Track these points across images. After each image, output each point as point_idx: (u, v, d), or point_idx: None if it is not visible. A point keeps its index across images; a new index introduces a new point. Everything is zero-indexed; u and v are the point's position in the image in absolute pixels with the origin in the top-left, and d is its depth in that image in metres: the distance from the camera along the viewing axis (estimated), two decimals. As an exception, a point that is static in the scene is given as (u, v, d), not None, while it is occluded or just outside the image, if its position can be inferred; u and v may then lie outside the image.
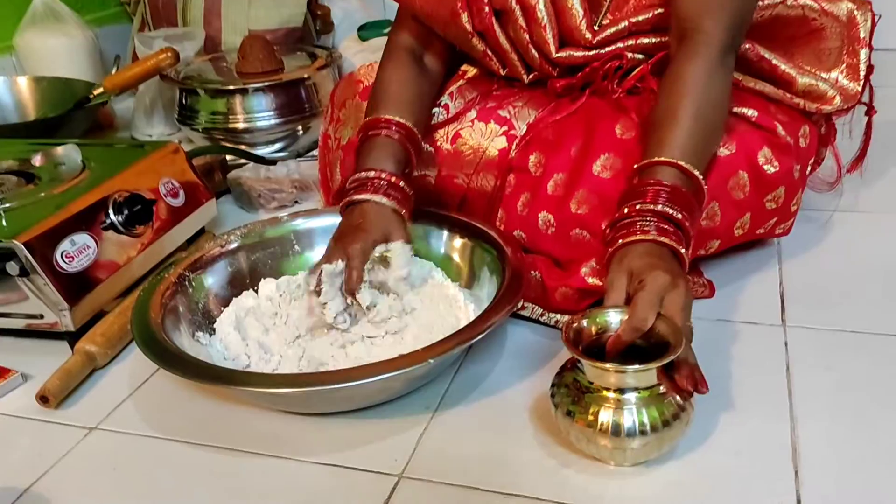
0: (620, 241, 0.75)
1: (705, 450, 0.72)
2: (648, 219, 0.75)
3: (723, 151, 0.86)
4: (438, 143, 0.99)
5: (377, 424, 0.78)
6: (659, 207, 0.75)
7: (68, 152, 1.05)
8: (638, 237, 0.74)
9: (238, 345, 0.86)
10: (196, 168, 1.15)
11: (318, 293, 0.85)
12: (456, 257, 0.95)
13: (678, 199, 0.75)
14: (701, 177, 0.78)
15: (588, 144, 0.89)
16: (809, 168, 0.96)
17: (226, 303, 0.92)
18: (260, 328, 0.89)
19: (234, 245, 0.96)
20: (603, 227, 0.81)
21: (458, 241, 0.95)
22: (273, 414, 0.81)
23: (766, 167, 0.87)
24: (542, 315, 0.90)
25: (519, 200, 0.94)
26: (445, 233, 0.95)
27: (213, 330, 0.89)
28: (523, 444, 0.74)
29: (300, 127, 1.49)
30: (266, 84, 1.45)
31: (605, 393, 0.67)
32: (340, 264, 0.85)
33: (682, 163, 0.77)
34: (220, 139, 1.48)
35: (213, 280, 0.93)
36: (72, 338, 0.91)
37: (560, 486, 0.69)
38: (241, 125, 1.45)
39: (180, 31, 1.68)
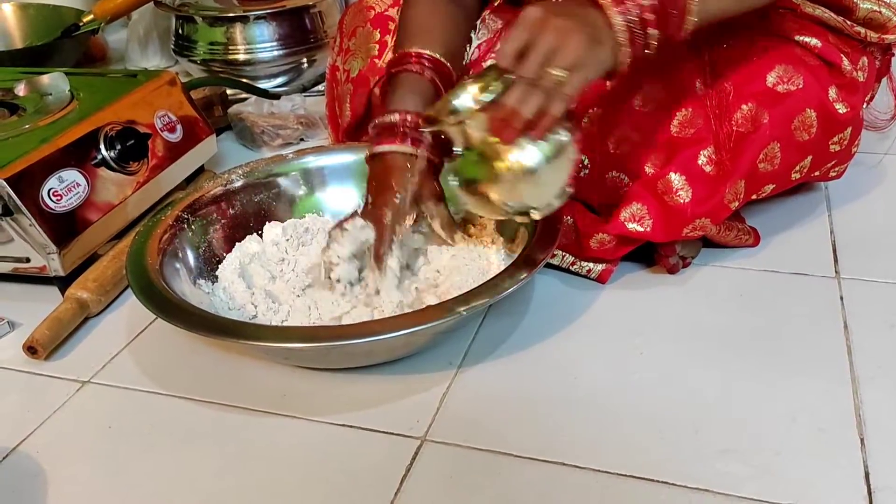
0: None
1: (759, 414, 0.66)
2: None
3: (788, 87, 0.77)
4: (458, 78, 0.91)
5: (395, 381, 0.72)
6: None
7: (55, 81, 0.98)
8: None
9: (243, 294, 0.80)
10: (194, 101, 1.08)
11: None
12: (482, 200, 0.87)
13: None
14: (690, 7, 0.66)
15: (628, 75, 0.80)
16: (865, 105, 0.88)
17: (228, 247, 0.86)
18: (266, 276, 0.83)
19: (236, 185, 0.90)
20: None
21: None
22: (282, 369, 0.75)
23: (836, 105, 0.79)
24: (573, 264, 0.83)
25: (548, 139, 0.86)
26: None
27: (216, 277, 0.83)
28: (556, 404, 0.68)
29: (305, 59, 1.41)
30: (268, 12, 1.37)
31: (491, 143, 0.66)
32: (360, 224, 0.77)
33: None
34: (220, 72, 1.41)
35: (214, 222, 0.87)
36: (62, 283, 0.86)
37: (598, 452, 0.63)
38: (241, 56, 1.38)
39: (176, -45, 1.59)
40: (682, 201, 0.76)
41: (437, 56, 0.81)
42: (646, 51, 0.66)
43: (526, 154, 0.66)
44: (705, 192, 0.76)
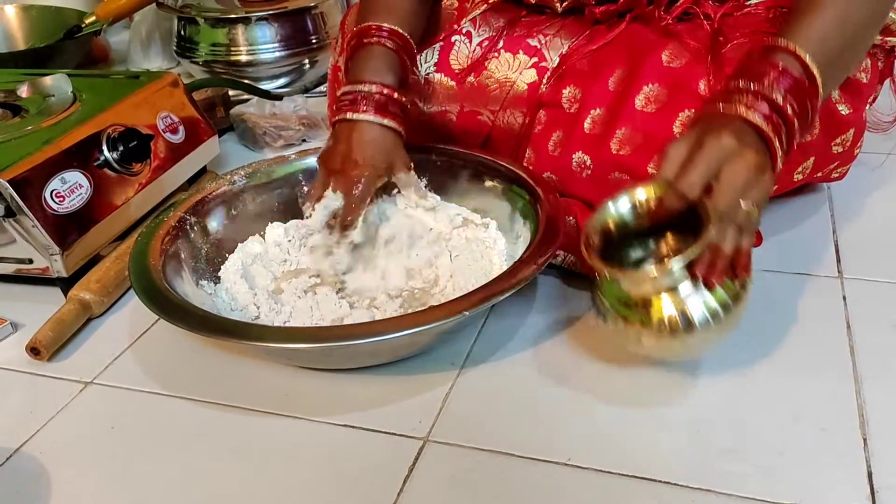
0: (705, 110, 0.65)
1: (762, 414, 0.66)
2: (751, 97, 0.64)
3: None
4: (461, 76, 0.91)
5: (397, 382, 0.72)
6: (770, 92, 0.63)
7: (57, 83, 0.98)
8: (724, 109, 0.64)
9: (246, 295, 0.80)
10: (197, 102, 1.08)
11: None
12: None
13: (796, 93, 0.64)
14: (822, 89, 0.66)
15: (630, 75, 0.81)
16: (867, 106, 0.88)
17: (231, 248, 0.86)
18: (269, 277, 0.83)
19: (238, 186, 0.90)
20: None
21: (487, 184, 0.87)
22: (284, 369, 0.75)
23: (839, 107, 0.79)
24: (574, 264, 0.83)
25: (550, 139, 0.86)
26: (472, 174, 0.88)
27: (218, 278, 0.83)
28: (559, 405, 0.68)
29: (307, 60, 1.41)
30: (270, 13, 1.37)
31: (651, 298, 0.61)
32: (339, 198, 0.81)
33: (811, 63, 0.65)
34: (222, 73, 1.41)
35: (216, 223, 0.87)
36: (65, 284, 0.86)
37: (601, 452, 0.63)
38: (243, 58, 1.38)
39: (178, -44, 1.59)
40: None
41: (405, 34, 0.84)
42: None
43: (696, 305, 0.59)
44: (708, 192, 0.76)
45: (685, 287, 0.59)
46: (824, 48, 0.66)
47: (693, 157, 0.60)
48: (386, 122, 0.80)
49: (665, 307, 0.60)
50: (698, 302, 0.59)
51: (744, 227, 0.60)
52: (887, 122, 0.94)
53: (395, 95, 0.81)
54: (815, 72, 0.65)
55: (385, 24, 0.83)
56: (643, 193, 0.63)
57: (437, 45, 0.90)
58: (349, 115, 0.81)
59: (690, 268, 0.59)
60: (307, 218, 0.83)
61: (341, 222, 0.80)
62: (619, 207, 0.64)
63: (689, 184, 0.60)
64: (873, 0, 0.69)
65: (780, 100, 0.64)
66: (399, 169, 0.82)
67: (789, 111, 0.64)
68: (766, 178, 0.61)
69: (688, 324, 0.60)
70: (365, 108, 0.80)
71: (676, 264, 0.58)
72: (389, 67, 0.82)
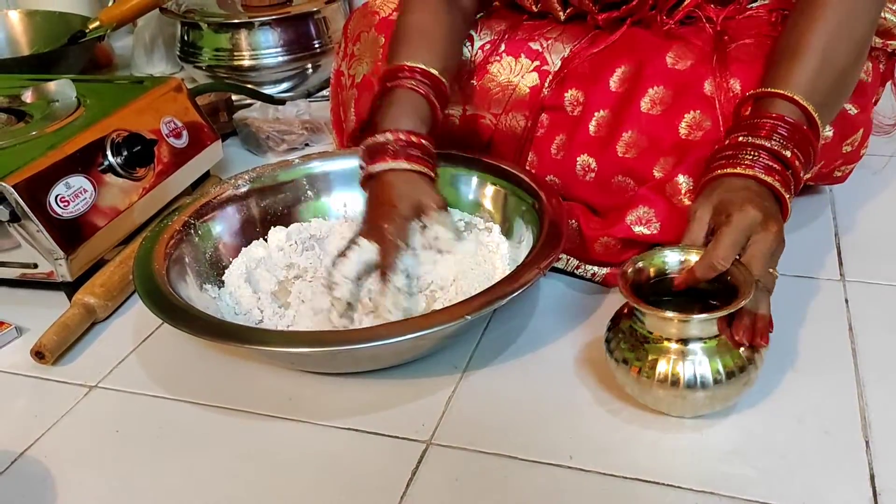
0: (717, 171, 0.68)
1: (765, 417, 0.66)
2: (757, 153, 0.67)
3: None
4: (463, 79, 0.91)
5: (400, 385, 0.73)
6: (771, 144, 0.66)
7: (62, 88, 0.99)
8: (738, 171, 0.66)
9: (249, 298, 0.80)
10: (200, 107, 1.09)
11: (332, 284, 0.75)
12: (488, 205, 0.88)
13: (796, 139, 0.67)
14: (821, 127, 0.69)
15: (635, 77, 0.81)
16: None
17: (235, 252, 0.86)
18: (272, 281, 0.83)
19: (242, 190, 0.90)
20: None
21: (489, 188, 0.88)
22: (288, 373, 0.75)
23: (847, 107, 0.79)
24: (577, 267, 0.83)
25: (553, 143, 0.87)
26: (475, 178, 0.89)
27: (222, 282, 0.83)
28: (562, 407, 0.68)
29: (310, 64, 1.41)
30: (273, 18, 1.37)
31: (665, 343, 0.62)
32: (371, 248, 0.75)
33: (805, 103, 0.68)
34: (225, 77, 1.41)
35: (220, 228, 0.87)
36: (69, 289, 0.86)
37: (604, 455, 0.63)
38: (246, 62, 1.38)
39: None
40: (689, 203, 0.76)
41: (434, 72, 0.82)
42: None
43: (707, 365, 0.61)
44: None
45: (696, 344, 0.61)
46: (815, 90, 0.69)
47: (722, 230, 0.63)
48: (406, 165, 0.78)
49: (665, 358, 0.61)
50: (709, 363, 0.61)
51: (770, 290, 0.64)
52: (889, 125, 0.94)
53: (413, 139, 0.79)
54: (813, 112, 0.68)
55: (416, 65, 0.81)
56: (695, 255, 0.64)
57: None
58: (372, 169, 0.79)
59: (718, 325, 0.61)
60: (335, 263, 0.76)
61: (381, 270, 0.75)
62: (668, 258, 0.65)
63: (722, 258, 0.62)
64: (853, 43, 0.72)
65: (786, 152, 0.66)
66: (429, 209, 0.78)
67: (797, 163, 0.67)
68: (783, 245, 0.65)
69: (676, 381, 0.61)
70: (386, 157, 0.78)
71: (712, 316, 0.60)
72: (412, 112, 0.81)
